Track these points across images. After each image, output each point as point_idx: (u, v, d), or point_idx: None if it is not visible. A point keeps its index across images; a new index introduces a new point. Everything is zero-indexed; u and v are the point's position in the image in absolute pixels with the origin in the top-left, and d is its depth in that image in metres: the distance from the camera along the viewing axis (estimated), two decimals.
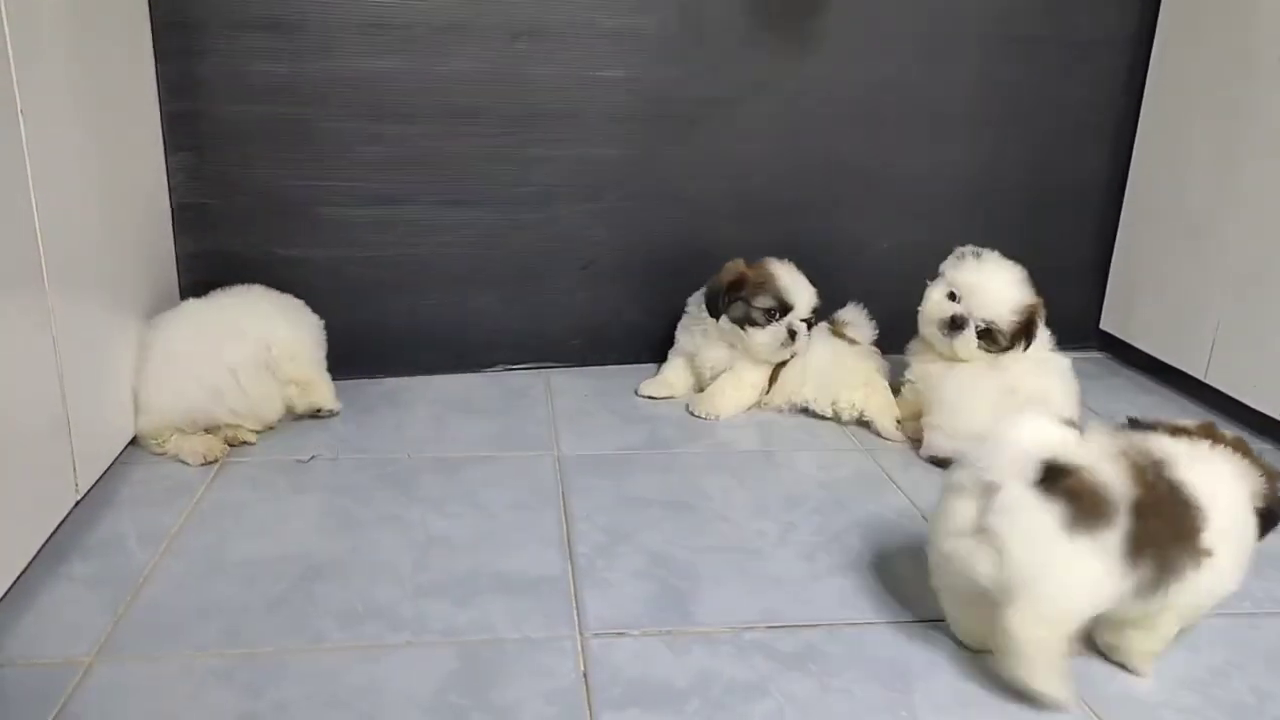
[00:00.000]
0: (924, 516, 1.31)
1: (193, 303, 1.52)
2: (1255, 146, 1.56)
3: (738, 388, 1.65)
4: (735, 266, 1.63)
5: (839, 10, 1.74)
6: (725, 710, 0.94)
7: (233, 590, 1.11)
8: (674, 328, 1.79)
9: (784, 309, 1.60)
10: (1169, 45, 1.77)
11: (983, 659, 1.02)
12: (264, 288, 1.57)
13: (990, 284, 1.49)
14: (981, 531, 0.93)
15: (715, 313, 1.63)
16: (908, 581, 1.16)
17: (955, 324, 1.49)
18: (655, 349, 1.85)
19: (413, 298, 1.75)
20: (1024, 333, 1.48)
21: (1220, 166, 1.63)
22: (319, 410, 1.56)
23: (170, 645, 1.01)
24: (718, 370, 1.67)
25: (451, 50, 1.63)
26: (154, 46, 1.55)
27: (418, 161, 1.67)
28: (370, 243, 1.70)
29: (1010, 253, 1.91)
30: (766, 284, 1.61)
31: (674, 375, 1.72)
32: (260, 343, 1.47)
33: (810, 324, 1.64)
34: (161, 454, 1.41)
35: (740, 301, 1.61)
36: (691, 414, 1.64)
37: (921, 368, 1.55)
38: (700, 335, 1.69)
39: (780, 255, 1.80)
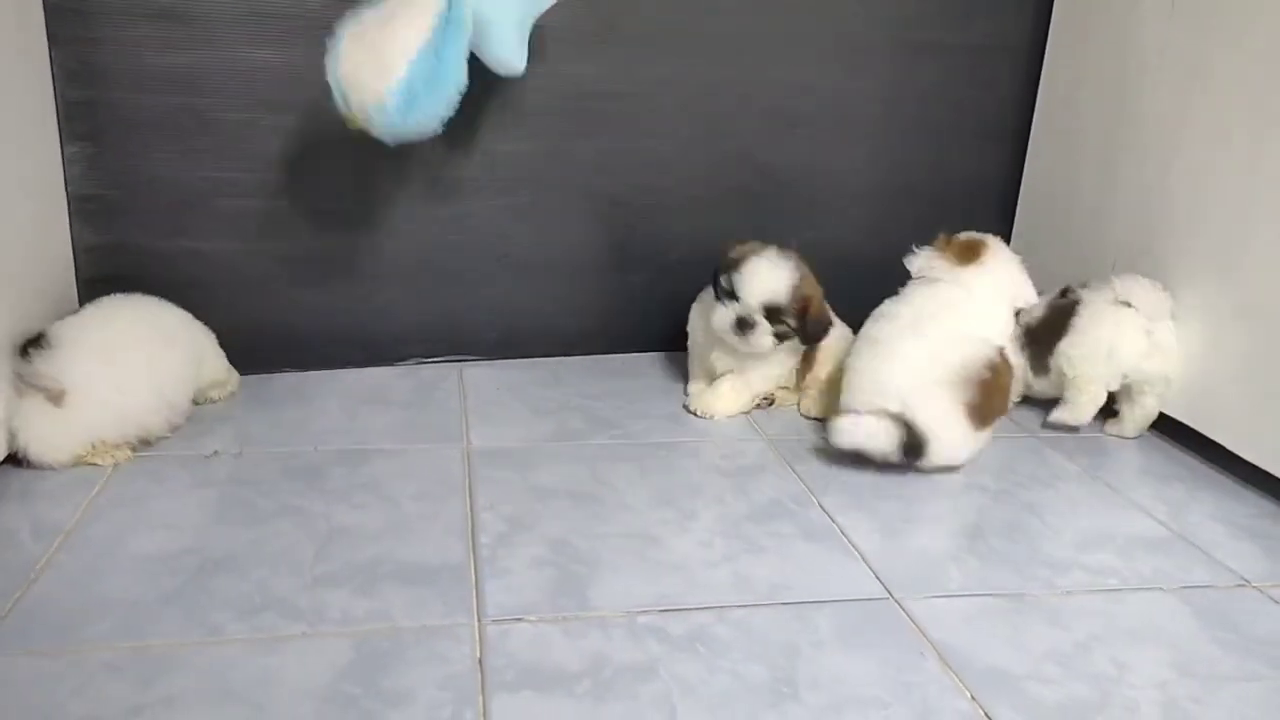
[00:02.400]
0: (819, 503, 1.36)
1: (99, 312, 1.45)
2: (1136, 141, 1.65)
3: (736, 390, 1.64)
4: (743, 248, 1.60)
5: (753, 13, 1.78)
6: (614, 690, 0.97)
7: (127, 584, 1.10)
8: (589, 320, 1.82)
9: (733, 294, 1.57)
10: (1059, 51, 1.86)
11: (865, 639, 1.07)
12: (141, 296, 1.51)
13: (757, 271, 1.55)
14: None
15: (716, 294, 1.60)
16: (798, 564, 1.21)
17: (743, 325, 1.55)
18: (570, 342, 1.87)
19: (320, 291, 1.74)
20: (803, 313, 1.56)
21: (1106, 159, 1.72)
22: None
23: (60, 640, 1.00)
24: (725, 368, 1.65)
25: None
26: (47, 32, 1.51)
27: (322, 154, 1.66)
28: (274, 235, 1.69)
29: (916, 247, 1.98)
30: (733, 265, 1.57)
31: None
32: (188, 356, 1.50)
33: (782, 327, 1.57)
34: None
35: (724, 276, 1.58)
36: (687, 410, 1.65)
37: None
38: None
39: (690, 252, 1.85)
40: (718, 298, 1.60)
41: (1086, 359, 1.59)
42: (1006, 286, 1.55)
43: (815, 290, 1.60)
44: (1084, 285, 1.65)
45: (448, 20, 1.37)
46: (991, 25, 1.89)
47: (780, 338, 1.59)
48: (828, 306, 1.64)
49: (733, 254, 1.61)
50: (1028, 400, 1.73)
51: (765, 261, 1.56)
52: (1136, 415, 1.61)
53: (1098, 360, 1.58)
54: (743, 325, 1.56)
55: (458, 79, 1.39)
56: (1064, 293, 1.67)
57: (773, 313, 1.56)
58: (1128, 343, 1.56)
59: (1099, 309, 1.60)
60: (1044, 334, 1.64)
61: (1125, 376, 1.58)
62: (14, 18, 1.42)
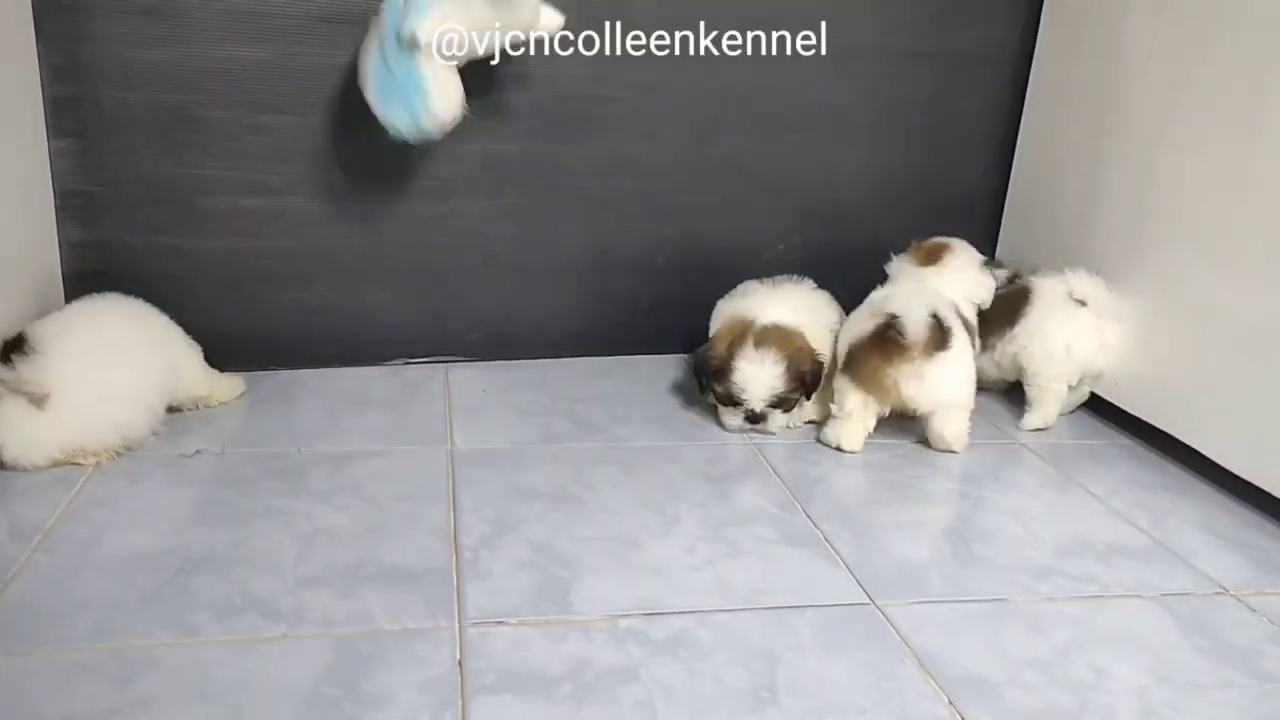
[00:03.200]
0: (803, 508, 1.37)
1: (80, 313, 1.44)
2: (1122, 148, 1.66)
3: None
4: (720, 347, 1.56)
5: (744, 21, 1.78)
6: (595, 694, 0.97)
7: (106, 585, 1.10)
8: (576, 323, 1.81)
9: (732, 399, 1.57)
10: (1047, 61, 1.87)
11: (846, 644, 1.07)
12: (122, 297, 1.50)
13: (751, 378, 1.54)
14: None
15: (701, 389, 1.63)
16: (780, 569, 1.21)
17: (755, 419, 1.59)
18: (556, 344, 1.87)
19: (305, 290, 1.73)
20: (801, 381, 1.57)
21: (1091, 167, 1.73)
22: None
23: (36, 640, 1.00)
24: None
25: (341, 42, 1.62)
26: (36, 28, 1.51)
27: (306, 153, 1.66)
28: (260, 233, 1.69)
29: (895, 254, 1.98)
30: (721, 372, 1.56)
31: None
32: (169, 362, 1.48)
33: (784, 403, 1.57)
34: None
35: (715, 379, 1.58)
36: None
37: None
38: None
39: (678, 256, 1.85)
40: (713, 397, 1.60)
41: (1048, 359, 1.65)
42: (962, 285, 1.66)
43: (797, 350, 1.56)
44: (1033, 272, 1.72)
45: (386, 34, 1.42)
46: (980, 34, 1.90)
47: (788, 408, 1.59)
48: (809, 344, 1.59)
49: (712, 357, 1.57)
50: (987, 393, 1.74)
51: (752, 366, 1.53)
52: (1067, 401, 1.70)
53: (1059, 359, 1.64)
54: (755, 419, 1.58)
55: (418, 86, 1.41)
56: (1012, 279, 1.74)
57: (778, 401, 1.57)
58: (1084, 341, 1.63)
59: (1053, 303, 1.65)
60: (994, 316, 1.70)
61: (1081, 373, 1.66)
62: (1, 13, 1.42)
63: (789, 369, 1.54)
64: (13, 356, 1.32)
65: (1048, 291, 1.67)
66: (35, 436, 1.32)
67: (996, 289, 1.70)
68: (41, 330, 1.36)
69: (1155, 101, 1.59)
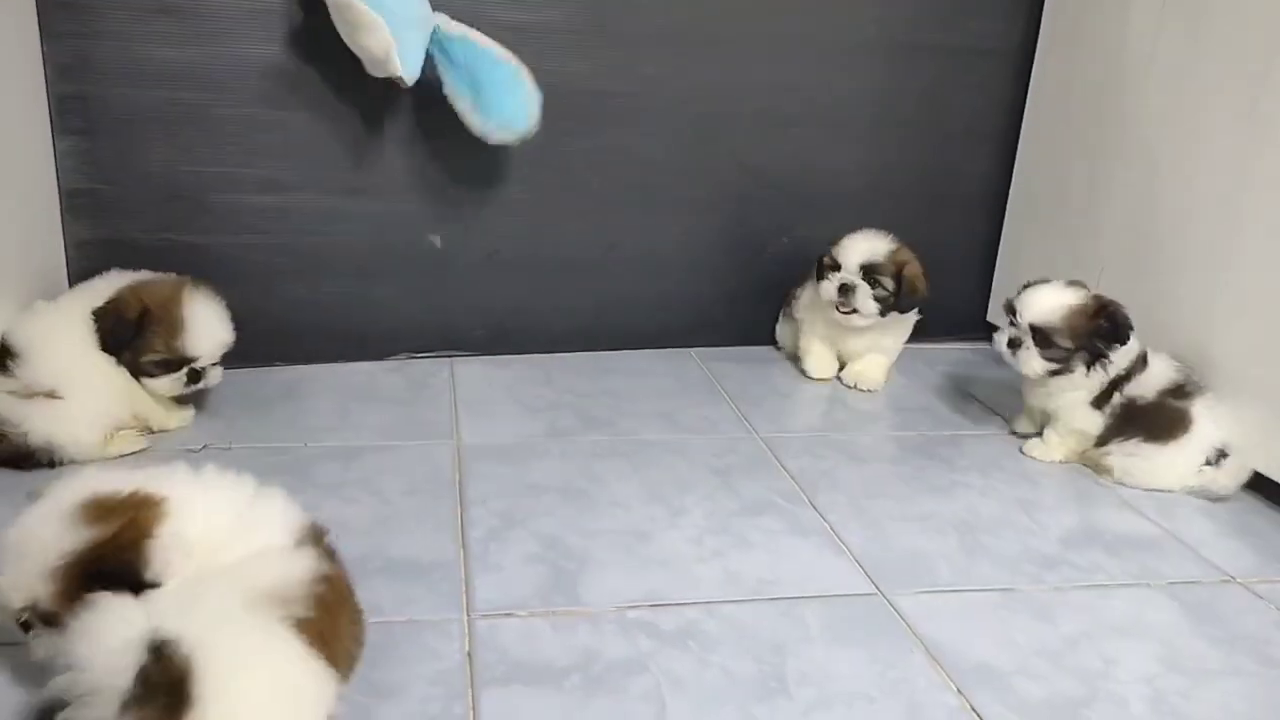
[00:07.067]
0: (810, 500, 1.37)
1: (53, 309, 1.40)
2: (1125, 142, 1.66)
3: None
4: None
5: (745, 15, 1.78)
6: (604, 685, 0.97)
7: None
8: (581, 317, 1.82)
9: (835, 266, 1.72)
10: (1049, 54, 1.87)
11: (854, 634, 1.08)
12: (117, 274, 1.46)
13: (855, 240, 1.73)
14: None
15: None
16: (788, 560, 1.21)
17: (844, 290, 1.71)
18: (560, 339, 1.87)
19: (311, 285, 1.74)
20: (899, 275, 1.70)
21: (1094, 165, 1.73)
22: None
23: None
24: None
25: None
26: (40, 27, 1.51)
27: (314, 150, 1.66)
28: (267, 230, 1.69)
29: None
30: (834, 243, 1.74)
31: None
32: None
33: (881, 290, 1.70)
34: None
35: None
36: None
37: None
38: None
39: (681, 251, 1.86)
40: (820, 278, 1.74)
41: (1140, 479, 1.47)
42: None
43: (914, 261, 1.73)
44: (1202, 392, 1.46)
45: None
46: (982, 28, 1.90)
47: (880, 302, 1.70)
48: (925, 283, 1.74)
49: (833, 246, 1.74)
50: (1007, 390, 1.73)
51: (861, 234, 1.73)
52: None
53: (1142, 482, 1.47)
54: (844, 291, 1.70)
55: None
56: (1179, 388, 1.46)
57: (870, 273, 1.69)
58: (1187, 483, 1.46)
59: (1201, 448, 1.44)
60: (1134, 416, 1.47)
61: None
62: (5, 11, 1.42)
63: (893, 253, 1.71)
64: (8, 364, 1.32)
65: (1206, 434, 1.43)
66: (72, 426, 1.32)
67: (1155, 388, 1.46)
68: (17, 334, 1.34)
69: (1159, 93, 1.59)
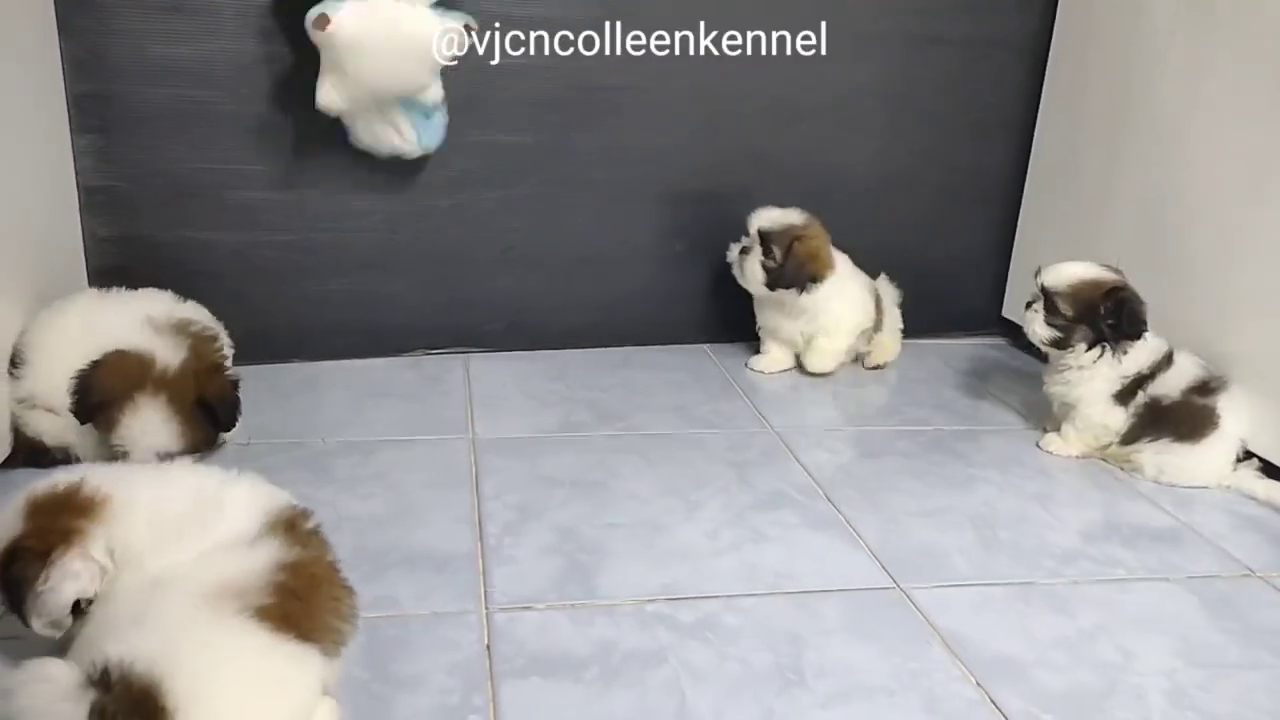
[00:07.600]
0: (825, 494, 1.37)
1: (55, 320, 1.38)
2: (1142, 138, 1.65)
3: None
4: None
5: (758, 7, 1.78)
6: (623, 677, 0.98)
7: None
8: (594, 313, 1.82)
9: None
10: (1065, 46, 1.86)
11: (872, 627, 1.07)
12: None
13: (765, 210, 1.74)
14: None
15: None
16: (805, 553, 1.21)
17: (744, 251, 1.74)
18: (573, 334, 1.88)
19: (326, 282, 1.74)
20: (788, 250, 1.69)
21: (1111, 157, 1.72)
22: None
23: None
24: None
25: None
26: (58, 24, 1.52)
27: (329, 147, 1.65)
28: (282, 227, 1.69)
29: (918, 242, 1.99)
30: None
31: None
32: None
33: (770, 261, 1.72)
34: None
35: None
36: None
37: None
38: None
39: (697, 240, 1.86)
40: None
41: (1164, 476, 1.46)
42: None
43: (813, 239, 1.72)
44: (1226, 389, 1.46)
45: None
46: (997, 19, 1.88)
47: (766, 271, 1.72)
48: (821, 264, 1.73)
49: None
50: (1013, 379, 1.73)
51: (778, 209, 1.74)
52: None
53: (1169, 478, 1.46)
54: (744, 252, 1.74)
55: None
56: (1205, 385, 1.45)
57: (764, 240, 1.71)
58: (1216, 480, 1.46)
59: (1227, 451, 1.45)
60: (1162, 415, 1.46)
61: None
62: (24, 10, 1.43)
63: (791, 227, 1.73)
64: (17, 372, 1.32)
65: (1231, 437, 1.44)
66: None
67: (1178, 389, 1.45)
68: (27, 344, 1.34)
69: (1176, 86, 1.58)
